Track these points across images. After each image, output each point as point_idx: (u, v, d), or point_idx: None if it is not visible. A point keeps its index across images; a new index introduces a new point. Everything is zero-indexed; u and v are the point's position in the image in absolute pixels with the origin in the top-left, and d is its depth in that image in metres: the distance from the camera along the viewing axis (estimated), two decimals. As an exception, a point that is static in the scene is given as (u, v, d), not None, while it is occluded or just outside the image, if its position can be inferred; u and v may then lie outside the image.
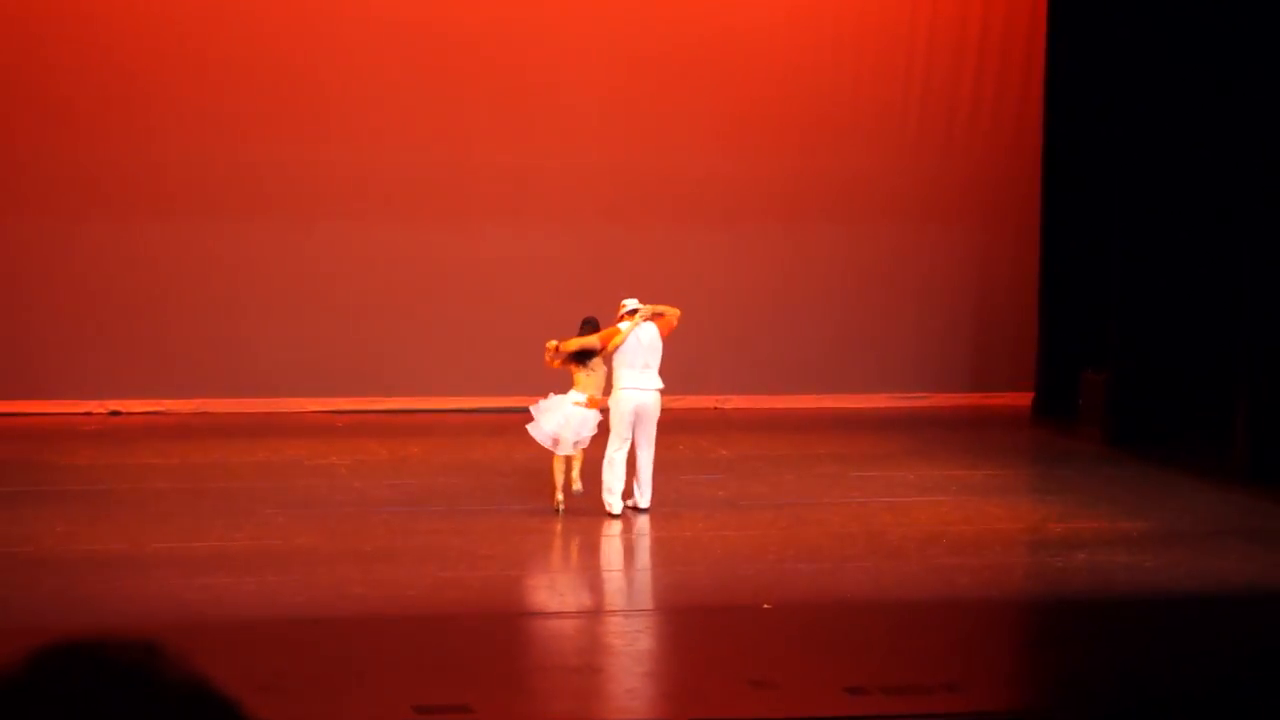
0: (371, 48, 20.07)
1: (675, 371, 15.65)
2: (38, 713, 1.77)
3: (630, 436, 14.51)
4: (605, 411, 14.53)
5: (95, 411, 19.76)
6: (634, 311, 14.72)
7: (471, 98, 20.31)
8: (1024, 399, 20.79)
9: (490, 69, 20.27)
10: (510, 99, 20.34)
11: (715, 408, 20.46)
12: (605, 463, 14.51)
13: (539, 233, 20.44)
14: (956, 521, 14.63)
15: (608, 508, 14.51)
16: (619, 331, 14.54)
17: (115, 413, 19.79)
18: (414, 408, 20.04)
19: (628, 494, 14.63)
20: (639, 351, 14.57)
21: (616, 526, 14.41)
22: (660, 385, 14.59)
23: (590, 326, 14.74)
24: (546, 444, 14.52)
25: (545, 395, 14.78)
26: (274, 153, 19.96)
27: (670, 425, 15.24)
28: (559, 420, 14.45)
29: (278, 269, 20.13)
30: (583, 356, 14.53)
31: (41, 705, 1.78)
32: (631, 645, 11.42)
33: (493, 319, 20.25)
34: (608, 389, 14.58)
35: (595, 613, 12.40)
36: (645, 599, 12.60)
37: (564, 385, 14.72)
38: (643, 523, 14.46)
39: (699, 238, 20.80)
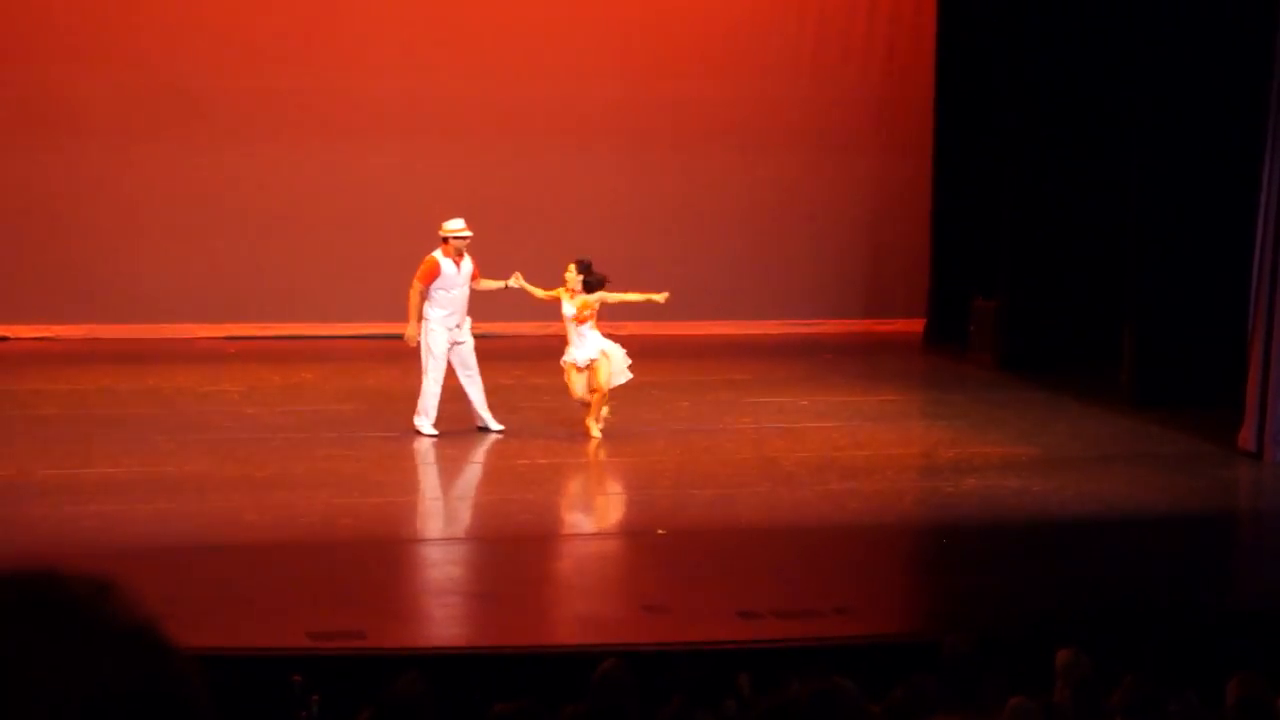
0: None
1: (570, 298, 15.66)
2: None
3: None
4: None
5: (-17, 337, 19.51)
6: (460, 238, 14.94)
7: (365, 18, 20.11)
8: (916, 325, 20.94)
9: (383, -8, 20.10)
10: (404, 22, 20.16)
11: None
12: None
13: (435, 157, 20.31)
14: (849, 447, 14.74)
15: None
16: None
17: (3, 338, 19.54)
18: (307, 334, 19.90)
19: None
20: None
21: (511, 453, 14.42)
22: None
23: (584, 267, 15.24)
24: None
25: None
26: (165, 76, 19.69)
27: (565, 351, 15.25)
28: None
29: (169, 194, 19.91)
30: None
31: None
32: (526, 571, 11.45)
33: (386, 244, 20.08)
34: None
35: (489, 539, 12.41)
36: (541, 525, 12.61)
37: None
38: (537, 449, 14.47)
39: (593, 164, 20.75)
